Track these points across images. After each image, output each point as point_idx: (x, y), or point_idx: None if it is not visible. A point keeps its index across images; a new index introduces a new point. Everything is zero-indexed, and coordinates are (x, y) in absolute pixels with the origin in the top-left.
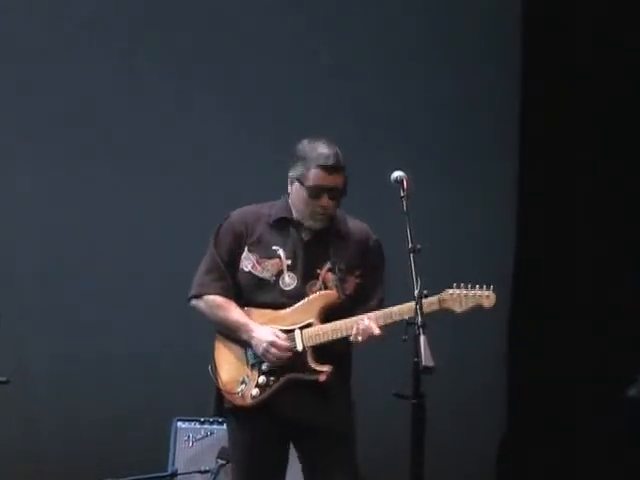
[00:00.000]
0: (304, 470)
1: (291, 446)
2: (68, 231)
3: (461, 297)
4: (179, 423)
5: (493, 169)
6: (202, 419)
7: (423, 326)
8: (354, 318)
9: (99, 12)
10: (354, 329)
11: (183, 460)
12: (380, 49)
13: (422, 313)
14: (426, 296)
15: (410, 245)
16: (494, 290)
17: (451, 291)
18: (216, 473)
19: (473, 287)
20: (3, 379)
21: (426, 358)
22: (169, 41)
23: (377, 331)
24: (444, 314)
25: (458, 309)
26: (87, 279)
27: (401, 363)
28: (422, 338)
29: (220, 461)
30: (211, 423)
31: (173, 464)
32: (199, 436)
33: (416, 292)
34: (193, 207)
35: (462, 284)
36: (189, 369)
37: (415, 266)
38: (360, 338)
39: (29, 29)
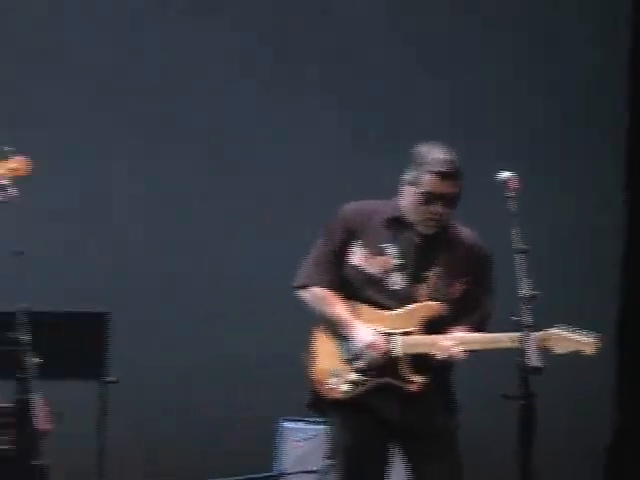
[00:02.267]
0: (410, 475)
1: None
2: (178, 235)
3: (564, 339)
4: (285, 423)
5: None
6: (308, 419)
7: (531, 326)
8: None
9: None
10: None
11: (290, 460)
12: (490, 49)
13: (529, 313)
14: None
15: (518, 246)
16: (598, 338)
17: (556, 331)
18: (325, 472)
19: (577, 330)
20: (114, 379)
21: (534, 359)
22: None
23: (459, 355)
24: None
25: (558, 351)
26: (197, 280)
27: (501, 364)
28: (530, 338)
29: (327, 461)
30: (317, 423)
31: (280, 464)
32: (306, 436)
33: (524, 292)
34: (300, 209)
35: (567, 326)
36: (296, 369)
37: (522, 268)
38: (439, 356)
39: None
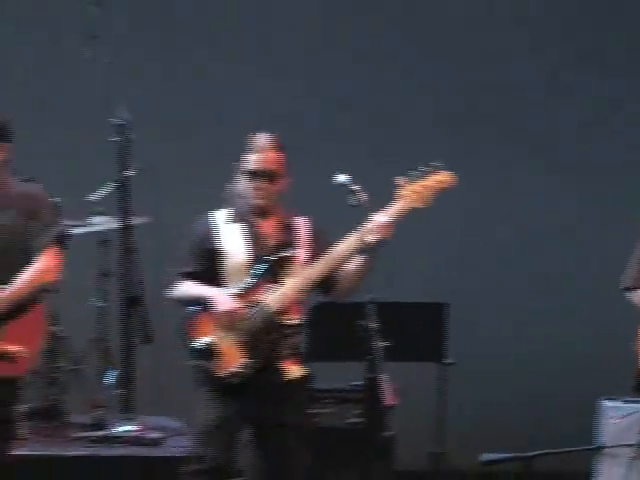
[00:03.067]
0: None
1: None
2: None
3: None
4: (606, 402)
5: None
6: (627, 398)
7: None
8: None
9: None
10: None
11: (609, 435)
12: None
13: None
14: None
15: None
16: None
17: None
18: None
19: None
20: (452, 361)
21: None
22: None
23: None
24: None
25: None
26: (532, 270)
27: None
28: None
29: None
30: (634, 402)
31: (600, 438)
32: (624, 414)
33: None
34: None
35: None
36: (616, 352)
37: None
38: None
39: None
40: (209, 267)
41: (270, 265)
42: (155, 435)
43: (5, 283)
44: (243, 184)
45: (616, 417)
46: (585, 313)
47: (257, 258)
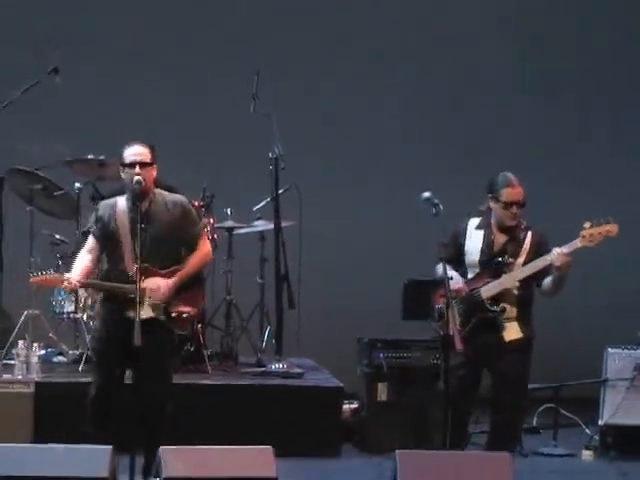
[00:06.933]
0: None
1: None
2: None
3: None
4: (609, 349)
5: None
6: (624, 346)
7: None
8: None
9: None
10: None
11: (612, 372)
12: None
13: None
14: None
15: None
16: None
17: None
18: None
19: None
20: None
21: None
22: None
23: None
24: None
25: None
26: None
27: None
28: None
29: None
30: (629, 349)
31: (606, 374)
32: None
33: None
34: None
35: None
36: None
37: None
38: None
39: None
40: (456, 257)
41: (492, 266)
42: (298, 370)
43: (165, 267)
44: (497, 209)
45: (617, 359)
46: None
47: (486, 259)
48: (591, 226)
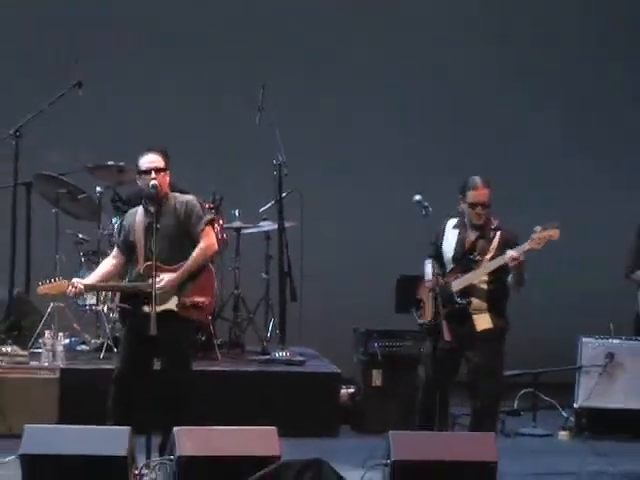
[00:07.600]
0: None
1: None
2: None
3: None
4: (583, 338)
5: None
6: (597, 336)
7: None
8: None
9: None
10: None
11: (586, 359)
12: None
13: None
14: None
15: None
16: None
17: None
18: None
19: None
20: None
21: None
22: None
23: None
24: None
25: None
26: None
27: None
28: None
29: None
30: (601, 339)
31: (580, 361)
32: (595, 346)
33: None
34: None
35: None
36: None
37: None
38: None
39: None
40: (437, 255)
41: (463, 262)
42: (299, 358)
43: (174, 263)
44: (465, 209)
45: (590, 347)
46: None
47: (458, 256)
48: (540, 230)
